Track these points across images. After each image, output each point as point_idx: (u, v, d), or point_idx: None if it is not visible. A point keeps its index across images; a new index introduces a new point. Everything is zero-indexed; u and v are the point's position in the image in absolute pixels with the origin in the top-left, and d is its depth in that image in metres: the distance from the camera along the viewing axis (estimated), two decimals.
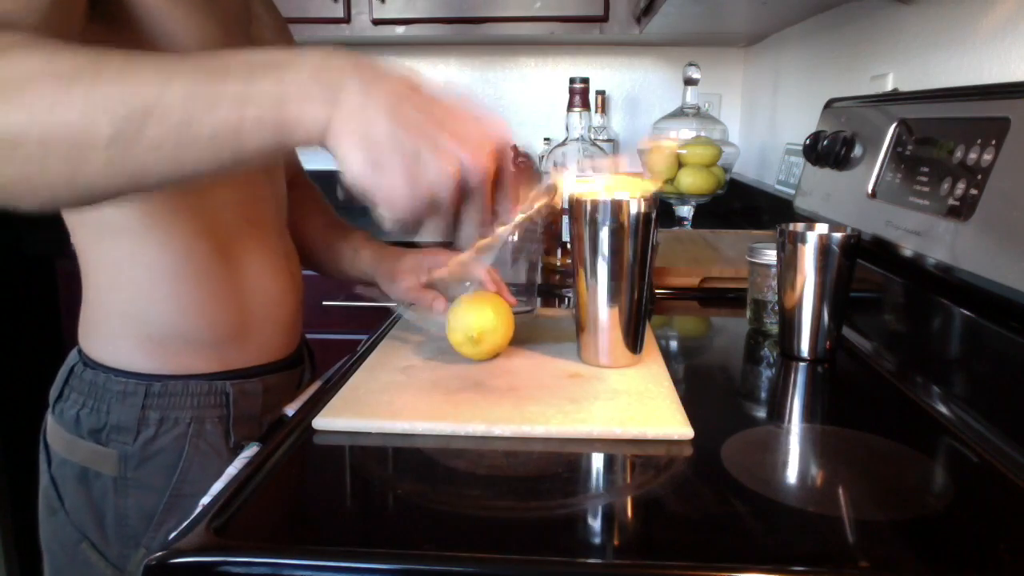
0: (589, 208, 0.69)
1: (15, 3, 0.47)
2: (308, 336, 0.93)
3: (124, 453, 0.72)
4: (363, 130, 0.41)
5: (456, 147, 0.42)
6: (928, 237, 0.73)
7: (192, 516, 0.48)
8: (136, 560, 0.73)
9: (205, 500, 0.52)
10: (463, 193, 0.44)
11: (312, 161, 1.05)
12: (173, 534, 0.45)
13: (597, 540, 0.46)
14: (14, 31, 0.45)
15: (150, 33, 0.62)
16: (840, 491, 0.51)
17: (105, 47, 0.44)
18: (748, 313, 0.88)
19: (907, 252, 0.76)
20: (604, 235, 0.69)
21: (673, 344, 0.86)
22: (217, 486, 0.55)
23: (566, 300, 1.05)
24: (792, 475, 0.55)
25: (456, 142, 0.43)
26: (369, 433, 0.59)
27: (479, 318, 0.71)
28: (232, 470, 0.58)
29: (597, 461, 0.56)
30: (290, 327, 0.82)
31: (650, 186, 0.69)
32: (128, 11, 0.61)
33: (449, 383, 0.67)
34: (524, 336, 0.80)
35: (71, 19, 0.52)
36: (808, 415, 0.67)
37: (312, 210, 0.97)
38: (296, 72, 0.42)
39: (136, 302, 0.72)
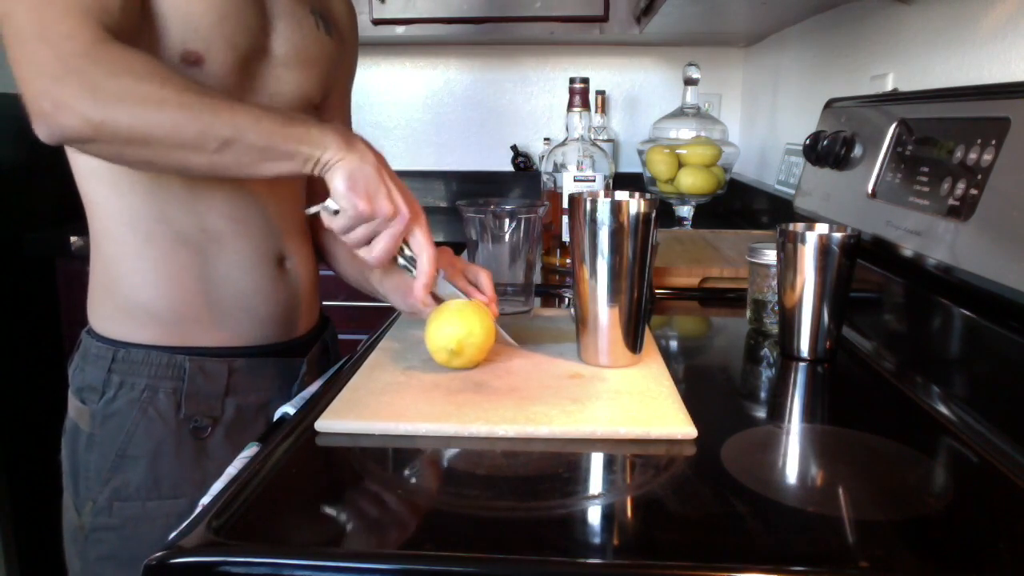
0: (589, 208, 0.69)
1: (110, 14, 0.64)
2: None
3: (93, 411, 0.78)
4: (352, 172, 0.67)
5: (399, 199, 0.69)
6: (928, 237, 0.73)
7: (192, 516, 0.48)
8: (85, 511, 0.78)
9: (205, 500, 0.52)
10: (404, 231, 0.70)
11: None
12: (173, 534, 0.45)
13: (597, 540, 0.46)
14: (114, 40, 0.63)
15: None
16: (840, 491, 0.51)
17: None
18: (748, 313, 0.88)
19: (907, 252, 0.76)
20: (604, 235, 0.69)
21: (673, 344, 0.86)
22: (217, 486, 0.55)
23: (566, 300, 1.05)
24: (792, 475, 0.55)
25: (400, 198, 0.69)
26: (371, 435, 0.59)
27: (456, 329, 0.69)
28: (232, 470, 0.58)
29: (600, 461, 0.56)
30: (271, 319, 0.84)
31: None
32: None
33: (450, 384, 0.67)
34: (524, 336, 0.80)
35: (136, 17, 0.68)
36: (808, 415, 0.67)
37: None
38: (323, 147, 0.66)
39: (109, 272, 0.79)
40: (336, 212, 0.67)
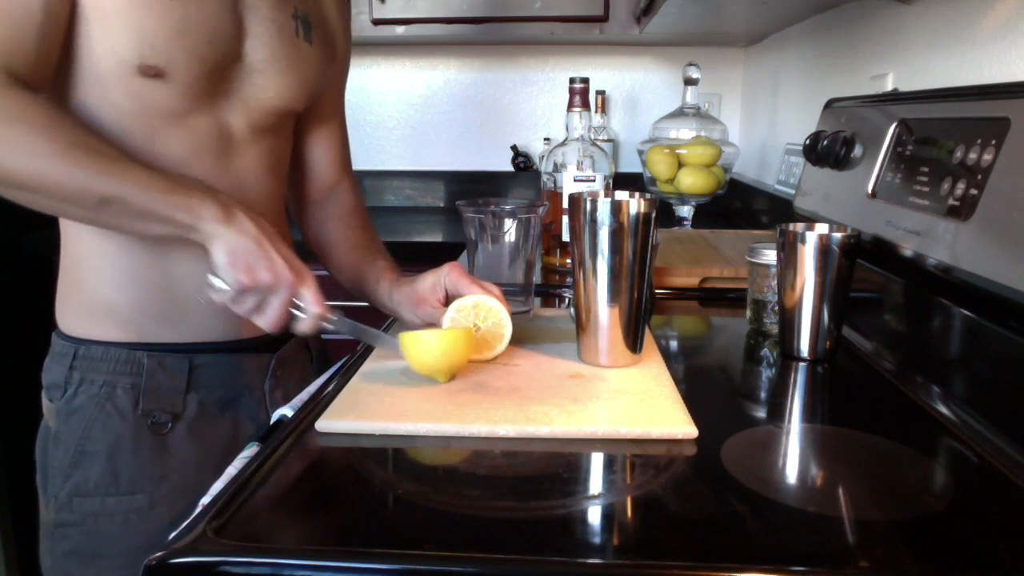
0: (589, 208, 0.69)
1: (21, 59, 0.65)
2: None
3: (58, 408, 0.79)
4: (230, 247, 0.69)
5: (280, 267, 0.70)
6: (928, 237, 0.73)
7: (192, 516, 0.48)
8: (50, 508, 0.79)
9: (205, 500, 0.52)
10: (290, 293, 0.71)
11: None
12: (173, 534, 0.45)
13: (597, 540, 0.46)
14: (19, 85, 0.64)
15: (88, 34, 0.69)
16: (840, 491, 0.51)
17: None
18: (748, 313, 0.88)
19: (907, 252, 0.76)
20: (604, 235, 0.69)
21: (673, 344, 0.86)
22: (217, 486, 0.55)
23: (566, 300, 1.05)
24: (792, 475, 0.55)
25: (282, 265, 0.70)
26: (371, 435, 0.59)
27: (425, 356, 0.67)
28: (232, 470, 0.58)
29: (600, 461, 0.56)
30: (234, 313, 0.80)
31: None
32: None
33: (450, 384, 0.67)
34: (524, 336, 0.80)
35: (52, 60, 0.68)
36: (808, 415, 0.67)
37: (341, 227, 0.96)
38: (200, 218, 0.68)
39: (73, 270, 0.80)
40: (221, 286, 0.70)
